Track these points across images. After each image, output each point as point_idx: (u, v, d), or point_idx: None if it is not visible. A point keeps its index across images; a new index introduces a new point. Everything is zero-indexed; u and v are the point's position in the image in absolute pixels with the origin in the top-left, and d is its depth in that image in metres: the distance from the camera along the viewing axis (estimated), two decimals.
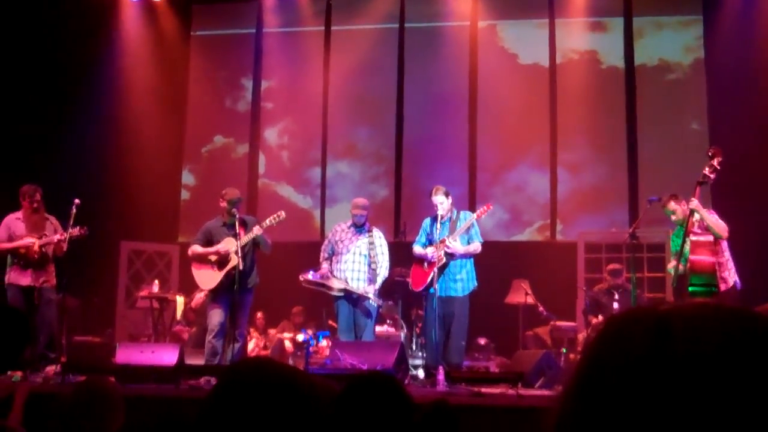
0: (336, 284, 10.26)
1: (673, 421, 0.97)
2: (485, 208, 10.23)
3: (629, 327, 1.05)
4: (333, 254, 10.54)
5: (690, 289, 8.85)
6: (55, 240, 10.31)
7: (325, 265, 10.50)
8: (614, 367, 1.02)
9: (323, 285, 10.34)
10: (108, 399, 4.34)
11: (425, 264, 10.07)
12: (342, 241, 10.49)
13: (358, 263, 10.35)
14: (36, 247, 10.28)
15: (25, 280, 10.32)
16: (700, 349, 0.99)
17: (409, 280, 10.48)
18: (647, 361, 1.00)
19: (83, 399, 4.33)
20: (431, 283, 9.82)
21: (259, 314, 14.08)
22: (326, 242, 10.76)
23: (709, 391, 0.97)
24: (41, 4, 15.13)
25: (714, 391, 0.97)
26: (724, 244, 9.03)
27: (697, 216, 8.85)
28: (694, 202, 8.81)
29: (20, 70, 14.66)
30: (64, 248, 10.25)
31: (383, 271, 10.37)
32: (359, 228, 10.48)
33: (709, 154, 8.83)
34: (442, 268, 9.89)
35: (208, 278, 10.21)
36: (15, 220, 10.48)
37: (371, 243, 10.37)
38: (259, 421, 1.71)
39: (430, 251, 9.99)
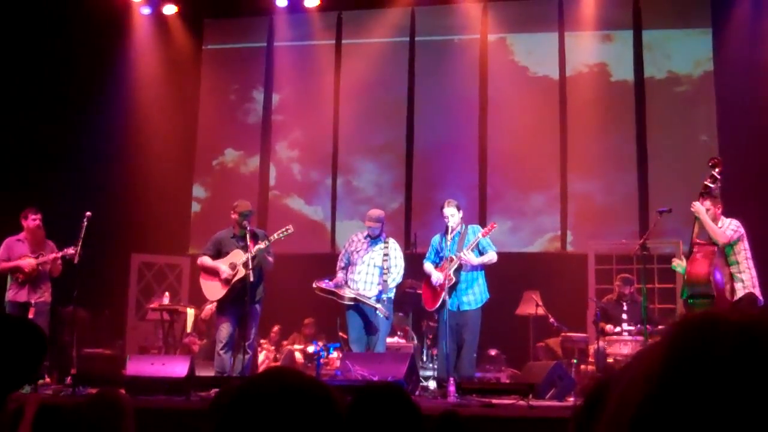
0: (347, 293, 10.27)
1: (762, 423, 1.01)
2: (490, 227, 10.26)
3: (710, 332, 1.08)
4: (349, 264, 10.57)
5: (688, 300, 8.93)
6: (51, 258, 10.62)
7: (340, 274, 10.53)
8: (699, 371, 1.05)
9: (335, 293, 10.36)
10: (119, 411, 4.35)
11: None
12: (357, 252, 10.52)
13: (370, 275, 10.37)
14: (33, 265, 10.59)
15: (21, 296, 10.64)
16: None
17: (420, 292, 10.52)
18: (735, 365, 1.04)
19: (94, 412, 4.34)
20: (444, 302, 9.84)
21: (276, 328, 14.03)
22: (343, 251, 10.81)
23: None
24: (51, 18, 15.10)
25: None
26: (741, 255, 8.97)
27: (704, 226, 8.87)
28: (696, 206, 8.83)
29: (31, 83, 14.71)
30: (60, 268, 10.71)
31: (392, 282, 10.34)
32: (374, 239, 10.51)
33: (710, 164, 8.88)
34: (453, 286, 9.91)
35: (215, 290, 10.25)
36: (15, 242, 10.86)
37: (386, 254, 10.38)
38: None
39: (435, 277, 10.02)
